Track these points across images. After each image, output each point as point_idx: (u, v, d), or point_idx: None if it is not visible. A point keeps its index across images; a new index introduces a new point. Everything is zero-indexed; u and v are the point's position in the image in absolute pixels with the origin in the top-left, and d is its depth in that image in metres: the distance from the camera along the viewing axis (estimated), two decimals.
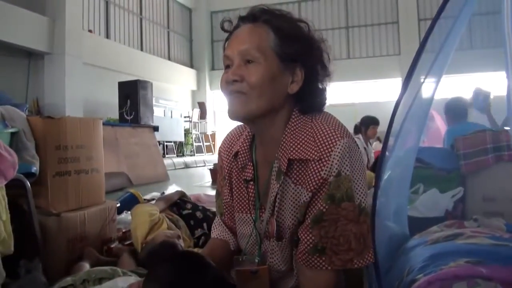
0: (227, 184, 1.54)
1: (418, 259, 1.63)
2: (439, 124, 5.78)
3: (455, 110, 4.70)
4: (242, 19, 1.34)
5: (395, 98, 1.74)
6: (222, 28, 1.39)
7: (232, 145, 1.52)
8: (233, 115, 1.30)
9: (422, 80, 2.03)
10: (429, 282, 1.43)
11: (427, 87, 2.17)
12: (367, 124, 6.56)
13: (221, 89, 1.32)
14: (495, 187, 2.62)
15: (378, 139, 13.31)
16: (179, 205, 3.49)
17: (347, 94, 18.79)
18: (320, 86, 1.38)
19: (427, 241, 1.82)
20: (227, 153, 1.53)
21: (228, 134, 1.59)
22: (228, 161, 1.52)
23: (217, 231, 1.63)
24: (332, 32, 19.81)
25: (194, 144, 16.20)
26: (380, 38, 19.70)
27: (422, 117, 2.34)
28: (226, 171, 1.53)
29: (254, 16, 1.31)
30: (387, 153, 1.79)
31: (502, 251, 1.56)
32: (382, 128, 2.21)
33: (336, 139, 1.24)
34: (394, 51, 19.33)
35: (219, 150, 1.61)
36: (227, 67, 1.32)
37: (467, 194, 2.73)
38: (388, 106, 1.85)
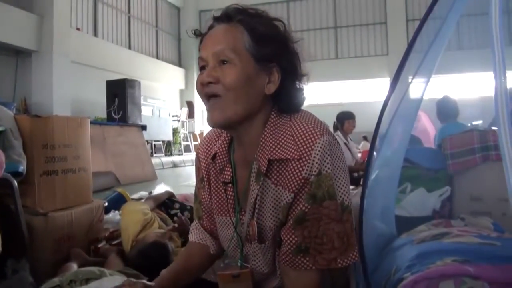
0: (206, 186, 1.51)
1: (405, 258, 1.64)
2: (426, 124, 5.81)
3: (447, 109, 4.73)
4: (217, 19, 1.31)
5: (383, 98, 1.75)
6: (195, 34, 1.37)
7: (210, 146, 1.49)
8: (212, 123, 1.29)
9: (410, 80, 2.05)
10: (416, 281, 1.44)
11: (416, 88, 2.18)
12: (342, 119, 6.58)
13: (198, 92, 1.30)
14: (482, 186, 2.63)
15: (366, 138, 13.40)
16: (167, 205, 3.49)
17: (335, 94, 18.86)
18: (298, 86, 1.35)
19: (414, 240, 1.83)
20: (205, 154, 1.50)
21: (206, 136, 1.55)
22: (206, 163, 1.49)
23: (195, 235, 1.60)
24: (320, 32, 19.87)
25: (182, 143, 16.15)
26: (368, 38, 19.79)
27: (410, 117, 2.35)
28: (205, 173, 1.50)
29: (229, 16, 1.28)
30: (374, 153, 1.81)
31: (489, 250, 1.57)
32: (370, 128, 2.21)
33: (316, 137, 1.22)
34: (382, 51, 19.43)
35: (196, 152, 1.57)
36: (202, 68, 1.30)
37: (454, 193, 2.74)
38: (376, 106, 1.86)
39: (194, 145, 16.88)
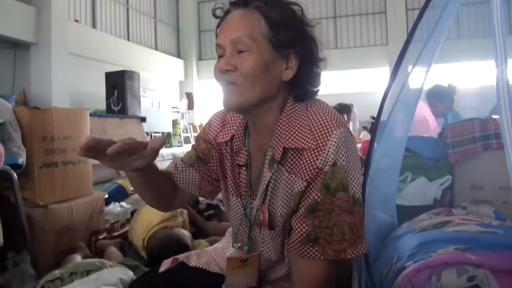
0: (217, 163, 1.50)
1: (407, 247, 1.65)
2: (426, 113, 5.81)
3: (445, 96, 4.74)
4: (233, 4, 1.29)
5: (382, 87, 1.74)
6: (214, 15, 1.36)
7: (227, 125, 1.49)
8: (228, 107, 1.28)
9: (409, 70, 2.04)
10: (418, 269, 1.44)
11: (416, 77, 2.18)
12: (340, 112, 6.48)
13: (215, 77, 1.29)
14: (483, 175, 2.64)
15: (366, 128, 13.38)
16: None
17: (334, 83, 18.82)
18: (315, 71, 1.35)
19: (415, 229, 1.84)
20: (216, 132, 1.50)
21: (220, 116, 1.53)
22: (216, 132, 1.49)
23: (183, 176, 1.54)
24: (320, 22, 19.77)
25: (182, 134, 16.13)
26: (367, 27, 19.73)
27: (410, 107, 2.35)
28: (216, 148, 1.49)
29: (245, 1, 1.27)
30: (375, 142, 1.80)
31: (490, 238, 1.57)
32: (369, 117, 2.21)
33: (333, 128, 1.22)
34: (382, 41, 19.37)
35: (211, 120, 1.55)
36: (220, 56, 1.29)
37: (455, 182, 2.74)
38: (376, 96, 1.85)
39: (194, 136, 16.85)
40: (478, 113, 3.61)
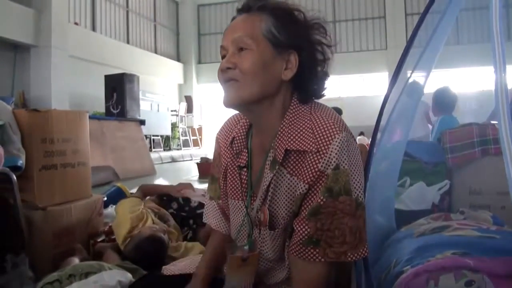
0: (222, 170, 1.52)
1: (405, 251, 1.65)
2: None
3: (445, 100, 4.71)
4: (238, 11, 1.35)
5: (381, 92, 1.75)
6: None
7: (229, 131, 1.51)
8: (227, 103, 1.31)
9: (408, 75, 2.05)
10: (416, 273, 1.44)
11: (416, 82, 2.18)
12: None
13: (218, 78, 1.33)
14: (481, 180, 2.64)
15: (363, 134, 13.41)
16: (165, 202, 3.47)
17: (334, 88, 18.85)
18: (319, 73, 1.37)
19: (414, 233, 1.84)
20: (225, 140, 1.52)
21: (226, 122, 1.58)
22: (225, 147, 1.51)
23: (212, 219, 1.63)
24: (319, 20, 19.82)
25: (181, 138, 16.14)
26: (367, 32, 19.77)
27: (410, 112, 2.35)
28: (224, 158, 1.51)
29: (248, 6, 1.33)
30: (374, 147, 1.81)
31: (488, 243, 1.57)
32: (368, 122, 2.21)
33: (335, 132, 1.24)
34: (381, 45, 19.41)
35: (216, 137, 1.59)
36: (223, 57, 1.33)
37: (453, 187, 2.75)
38: (375, 101, 1.85)
39: (193, 139, 16.88)
40: (477, 118, 3.61)
